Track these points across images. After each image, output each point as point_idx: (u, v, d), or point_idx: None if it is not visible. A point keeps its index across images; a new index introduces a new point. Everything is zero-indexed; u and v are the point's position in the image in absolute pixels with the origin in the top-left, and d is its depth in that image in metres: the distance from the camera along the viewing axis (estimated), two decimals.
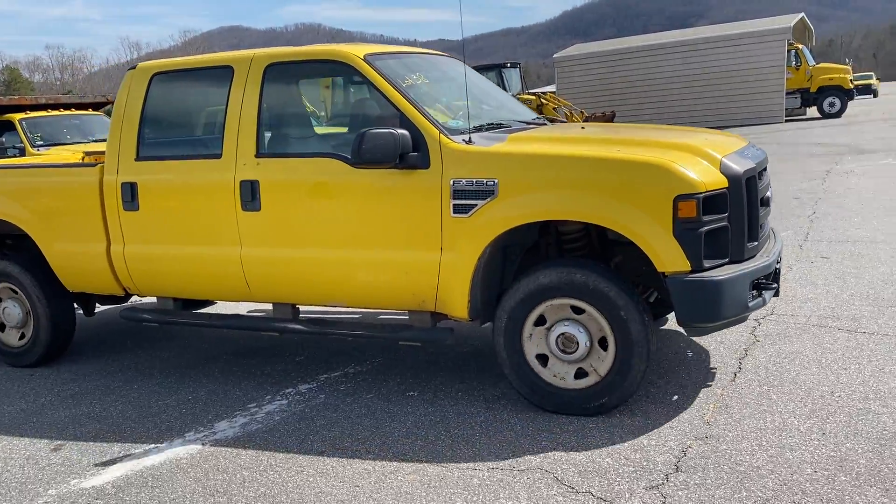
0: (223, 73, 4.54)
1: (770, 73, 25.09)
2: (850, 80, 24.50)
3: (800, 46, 24.40)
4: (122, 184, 4.63)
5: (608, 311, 3.71)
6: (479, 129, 4.17)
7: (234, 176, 4.32)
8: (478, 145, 3.91)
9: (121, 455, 3.85)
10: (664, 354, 4.68)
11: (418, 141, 3.88)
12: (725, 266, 3.60)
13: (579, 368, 3.84)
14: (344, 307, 4.46)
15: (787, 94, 24.37)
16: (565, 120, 17.32)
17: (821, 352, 4.51)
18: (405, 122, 3.98)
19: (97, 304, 5.58)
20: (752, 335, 4.85)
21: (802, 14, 25.54)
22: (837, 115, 24.23)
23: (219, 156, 4.38)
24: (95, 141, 13.41)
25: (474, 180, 3.85)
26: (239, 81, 4.41)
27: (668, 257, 3.53)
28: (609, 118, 20.31)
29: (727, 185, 3.59)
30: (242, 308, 5.97)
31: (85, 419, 4.38)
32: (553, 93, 22.84)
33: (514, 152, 3.88)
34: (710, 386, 4.19)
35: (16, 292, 5.17)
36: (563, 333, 3.82)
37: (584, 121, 17.94)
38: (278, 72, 4.41)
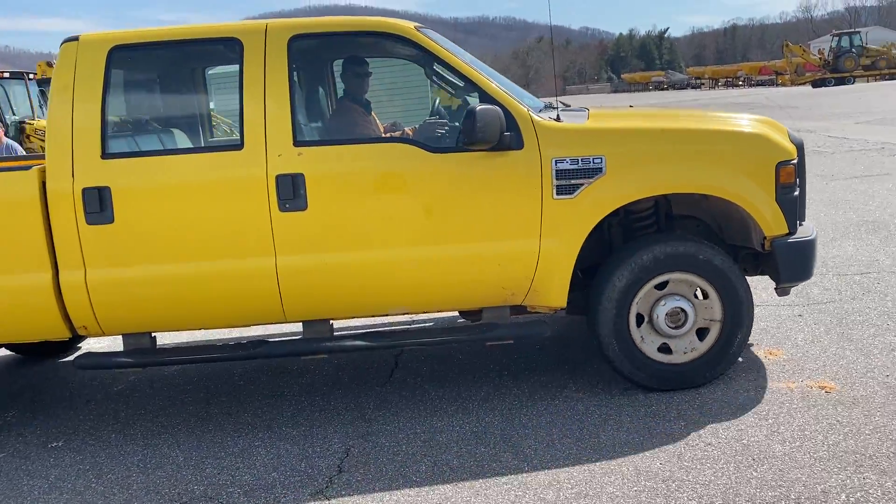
0: (224, 48, 3.81)
1: (418, 93, 27.10)
2: None
3: None
4: (85, 190, 3.65)
5: (718, 281, 3.82)
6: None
7: (266, 170, 3.64)
8: (569, 123, 3.74)
9: None
10: (325, 359, 4.80)
11: (508, 120, 3.58)
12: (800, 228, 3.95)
13: (687, 342, 3.93)
14: (402, 314, 4.02)
15: None
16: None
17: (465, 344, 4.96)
18: (487, 99, 3.65)
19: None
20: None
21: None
22: None
23: (238, 146, 3.68)
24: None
25: (580, 158, 3.63)
26: (253, 58, 3.70)
27: (774, 222, 3.74)
28: None
29: (798, 153, 3.91)
30: (216, 335, 5.06)
31: None
32: None
33: (620, 128, 3.80)
34: (370, 384, 4.39)
35: None
36: (673, 308, 3.84)
37: None
38: (306, 46, 3.80)
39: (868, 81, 43.21)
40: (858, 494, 2.93)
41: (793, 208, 3.84)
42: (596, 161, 3.65)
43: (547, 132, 3.70)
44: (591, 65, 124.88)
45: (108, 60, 3.71)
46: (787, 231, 3.82)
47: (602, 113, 4.30)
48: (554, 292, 3.77)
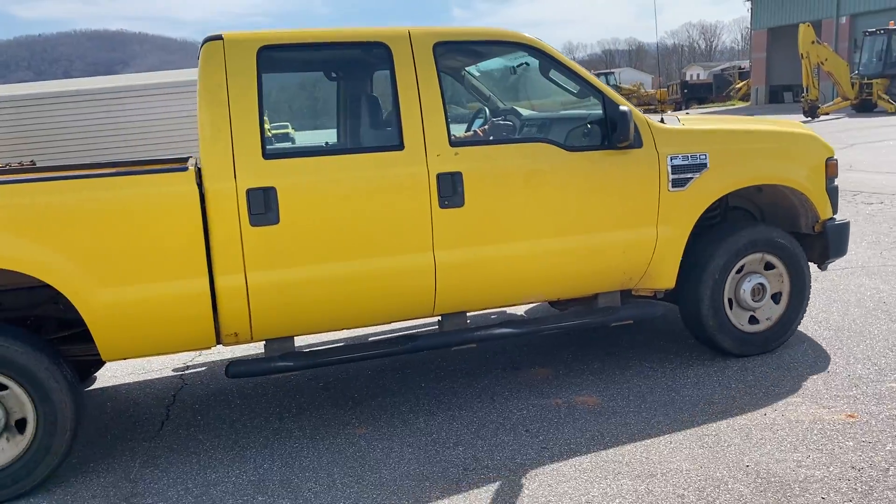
0: (370, 52, 4.01)
1: (196, 122, 26.01)
2: (269, 129, 26.99)
3: None
4: (249, 191, 3.55)
5: (788, 259, 4.59)
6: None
7: (426, 169, 3.80)
8: (672, 126, 4.38)
9: None
10: (94, 416, 4.38)
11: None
12: None
13: (759, 314, 4.62)
14: (535, 303, 4.56)
15: None
16: None
17: (244, 383, 4.76)
18: (609, 103, 4.14)
19: None
20: (181, 379, 4.87)
21: None
22: None
23: (398, 147, 3.81)
24: None
25: (689, 155, 4.25)
26: (404, 62, 3.86)
27: (825, 208, 4.62)
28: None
29: None
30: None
31: None
32: None
33: (717, 129, 4.51)
34: (137, 439, 4.05)
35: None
36: (757, 283, 4.55)
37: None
38: (446, 52, 4.06)
39: None
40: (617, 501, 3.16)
41: (835, 196, 4.69)
42: (702, 157, 4.27)
43: (660, 133, 4.28)
44: None
45: (258, 60, 3.67)
46: (831, 216, 4.67)
47: (690, 118, 4.88)
48: (666, 275, 4.35)
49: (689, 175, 4.26)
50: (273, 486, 3.48)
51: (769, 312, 4.65)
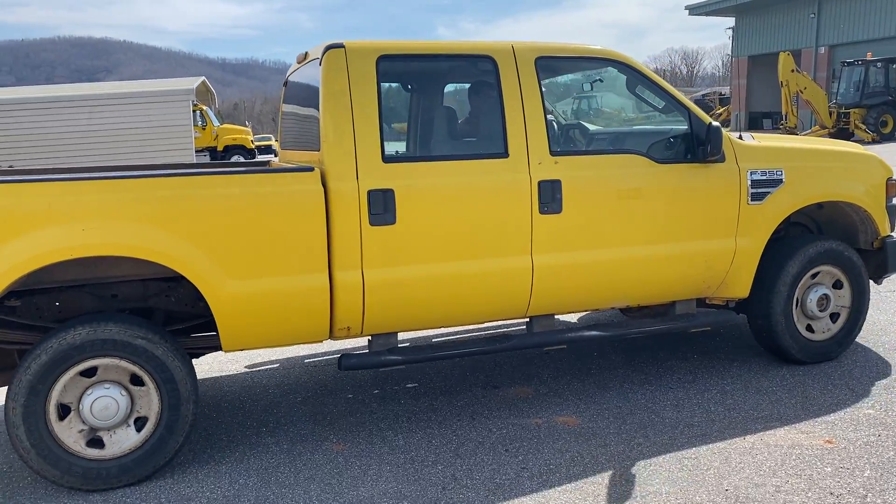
0: (477, 64, 4.23)
1: (179, 132, 25.92)
2: (252, 140, 26.90)
3: (204, 108, 25.81)
4: (370, 192, 3.73)
5: (852, 271, 4.82)
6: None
7: (529, 176, 4.01)
8: (750, 142, 4.59)
9: None
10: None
11: None
12: None
13: (818, 324, 4.83)
14: (620, 308, 4.72)
15: (197, 151, 25.46)
16: None
17: (220, 396, 4.68)
18: (696, 119, 4.36)
19: None
20: None
21: (203, 78, 27.12)
22: None
23: (503, 154, 4.03)
24: None
25: (768, 170, 4.47)
26: (508, 74, 4.08)
27: (884, 225, 4.92)
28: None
29: None
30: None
31: None
32: None
33: (790, 147, 4.72)
34: None
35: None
36: (823, 294, 4.74)
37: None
38: (547, 66, 4.25)
39: None
40: None
41: (893, 214, 5.01)
42: (778, 173, 4.50)
43: (741, 149, 4.50)
44: None
45: (377, 68, 3.85)
46: (889, 232, 4.95)
47: (762, 136, 4.98)
48: (741, 284, 4.56)
49: (766, 190, 4.49)
50: (248, 501, 3.42)
51: (830, 322, 4.89)
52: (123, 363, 3.53)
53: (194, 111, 26.09)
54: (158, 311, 4.03)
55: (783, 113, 27.21)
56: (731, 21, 42.11)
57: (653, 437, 3.91)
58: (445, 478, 3.57)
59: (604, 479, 3.49)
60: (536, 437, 3.97)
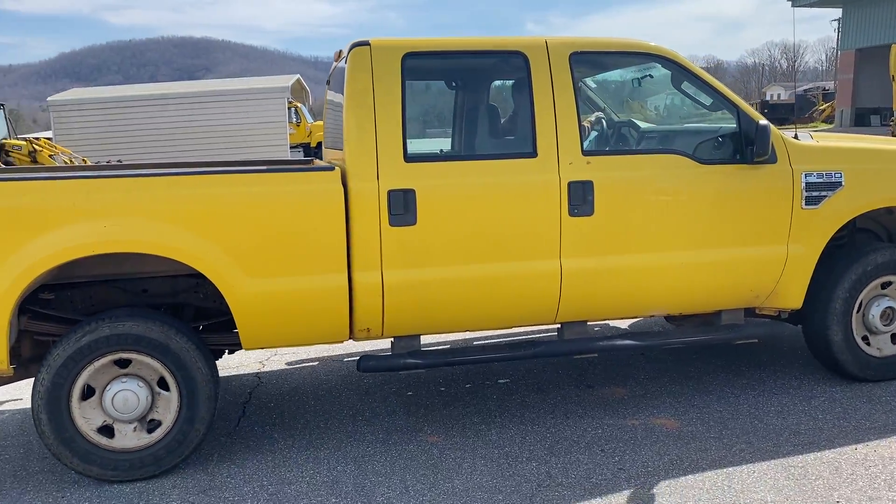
0: (508, 61, 4.09)
1: (274, 128, 26.73)
2: None
3: (298, 105, 26.47)
4: (391, 192, 3.66)
5: None
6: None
7: (558, 177, 3.83)
8: (807, 142, 4.27)
9: None
10: None
11: None
12: None
13: (883, 339, 4.46)
14: (658, 316, 4.49)
15: (291, 147, 26.18)
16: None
17: (318, 384, 4.83)
18: (744, 117, 4.05)
19: None
20: (257, 378, 4.96)
21: (298, 76, 27.82)
22: None
23: (532, 154, 3.87)
24: None
25: (824, 173, 4.12)
26: (541, 72, 3.89)
27: None
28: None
29: None
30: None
31: None
32: (49, 139, 20.66)
33: (851, 147, 4.36)
34: (214, 434, 4.14)
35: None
36: (888, 307, 4.37)
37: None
38: (582, 62, 4.06)
39: None
40: None
41: None
42: (837, 176, 4.15)
43: (795, 149, 4.18)
44: None
45: (402, 66, 3.75)
46: None
47: (823, 135, 4.76)
48: (794, 294, 4.21)
49: (823, 193, 4.16)
50: (347, 488, 3.50)
51: (885, 340, 4.50)
52: (144, 358, 3.55)
53: (289, 108, 26.84)
54: (189, 306, 4.04)
55: (893, 109, 25.65)
56: (837, 12, 40.06)
57: (756, 444, 3.77)
58: (540, 475, 3.55)
59: (705, 483, 3.39)
60: (633, 439, 3.89)
